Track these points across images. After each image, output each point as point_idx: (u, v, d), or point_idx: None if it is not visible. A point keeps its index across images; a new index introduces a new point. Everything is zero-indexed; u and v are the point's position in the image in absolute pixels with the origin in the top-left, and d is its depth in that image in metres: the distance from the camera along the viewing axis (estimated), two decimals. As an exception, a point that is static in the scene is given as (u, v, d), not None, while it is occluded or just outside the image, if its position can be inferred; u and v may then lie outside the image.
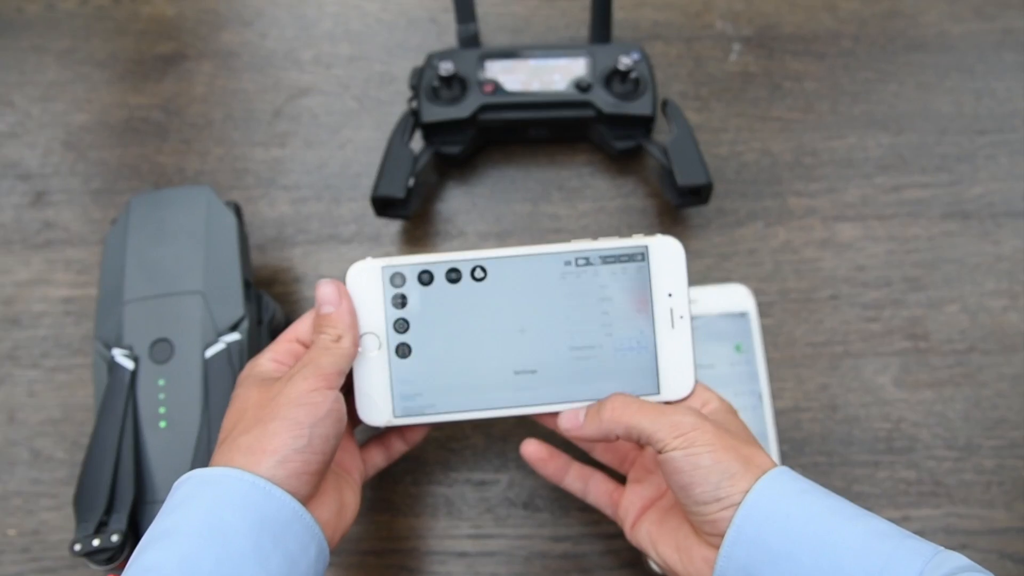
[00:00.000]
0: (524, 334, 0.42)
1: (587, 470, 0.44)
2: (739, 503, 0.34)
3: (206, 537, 0.32)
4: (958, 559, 0.32)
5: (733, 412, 0.40)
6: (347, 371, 0.39)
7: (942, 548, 0.32)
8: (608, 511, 0.43)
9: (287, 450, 0.35)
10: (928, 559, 0.31)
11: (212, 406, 0.44)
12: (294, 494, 0.34)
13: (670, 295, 0.42)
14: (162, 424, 0.44)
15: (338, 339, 0.39)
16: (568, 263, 0.42)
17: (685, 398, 0.42)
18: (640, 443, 0.38)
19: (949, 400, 0.51)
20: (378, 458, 0.44)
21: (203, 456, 0.43)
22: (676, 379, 0.42)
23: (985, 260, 0.55)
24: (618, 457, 0.44)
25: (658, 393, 0.42)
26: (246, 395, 0.38)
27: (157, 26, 0.64)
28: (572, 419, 0.41)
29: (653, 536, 0.39)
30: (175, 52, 0.63)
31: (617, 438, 0.39)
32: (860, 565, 0.32)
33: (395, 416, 0.42)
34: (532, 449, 0.44)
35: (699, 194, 0.53)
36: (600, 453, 0.44)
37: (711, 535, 0.36)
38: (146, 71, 0.62)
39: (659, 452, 0.37)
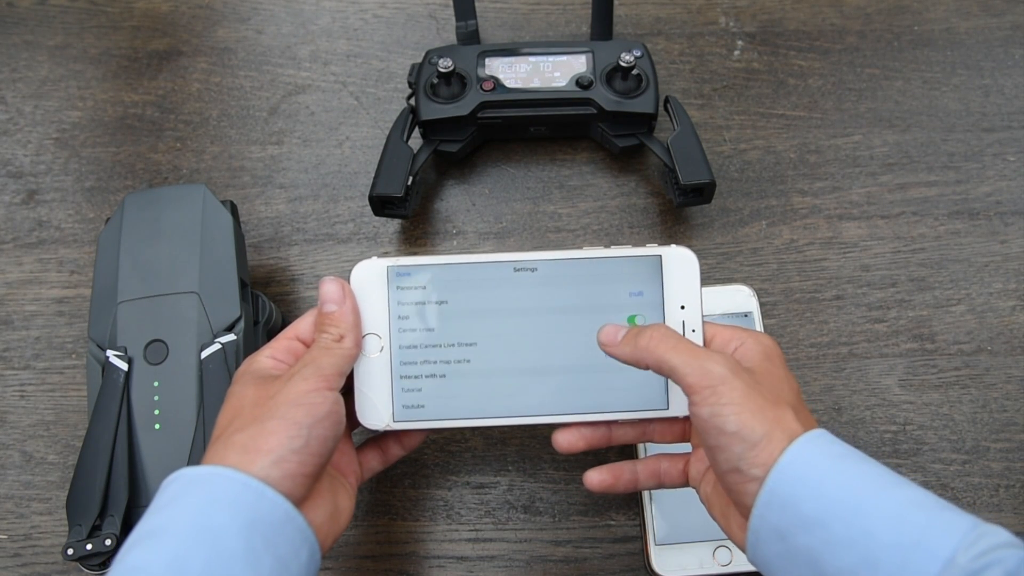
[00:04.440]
0: (530, 341, 0.41)
1: (652, 462, 0.42)
2: (761, 477, 0.33)
3: (195, 537, 0.31)
4: (997, 534, 0.31)
5: (770, 356, 0.38)
6: (348, 372, 0.39)
7: (980, 521, 0.31)
8: (689, 486, 0.41)
9: (283, 450, 0.34)
10: (965, 533, 0.30)
11: (207, 408, 0.43)
12: (288, 496, 0.34)
13: (683, 307, 0.41)
14: (156, 426, 0.44)
15: (340, 339, 0.38)
16: (577, 271, 0.42)
17: None
18: (669, 378, 0.37)
19: (956, 402, 0.51)
20: (375, 462, 0.43)
21: (198, 458, 0.43)
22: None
23: (993, 260, 0.54)
24: (676, 432, 0.42)
25: (667, 408, 0.41)
26: (243, 392, 0.37)
27: (151, 22, 0.63)
28: (611, 334, 0.39)
29: (709, 499, 0.39)
30: (170, 48, 0.62)
31: (647, 367, 0.37)
32: (893, 537, 0.31)
33: (395, 420, 0.41)
34: (596, 480, 0.41)
35: (702, 193, 0.52)
36: (659, 435, 0.43)
37: (739, 504, 0.35)
38: (140, 68, 0.62)
39: (687, 397, 0.36)
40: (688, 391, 0.35)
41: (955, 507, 0.32)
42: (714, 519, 0.38)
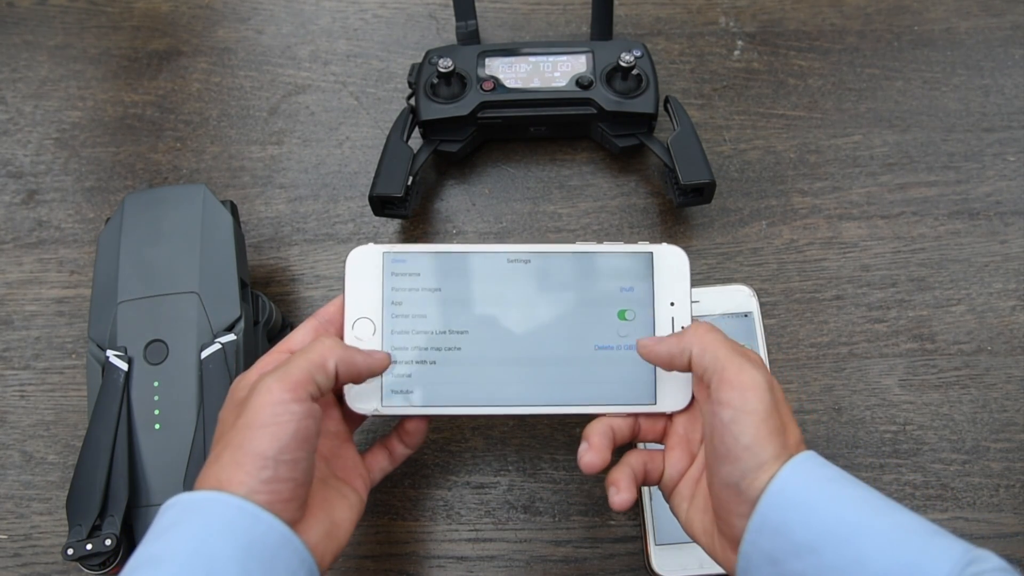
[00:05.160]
0: (521, 332, 0.42)
1: (636, 456, 0.40)
2: (754, 500, 0.33)
3: (193, 564, 0.31)
4: (989, 559, 0.31)
5: (771, 384, 0.37)
6: (323, 382, 0.36)
7: (973, 546, 0.31)
8: (664, 490, 0.40)
9: (253, 482, 0.33)
10: (957, 559, 0.30)
11: (207, 408, 0.43)
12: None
13: (672, 304, 0.42)
14: (156, 426, 0.43)
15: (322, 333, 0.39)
16: (570, 264, 0.42)
17: (682, 411, 0.41)
18: (703, 373, 0.36)
19: (956, 402, 0.51)
20: (383, 461, 0.43)
21: (198, 458, 0.43)
22: (673, 391, 0.41)
23: (992, 260, 0.54)
24: (657, 432, 0.42)
25: (654, 404, 0.41)
26: (226, 415, 0.37)
27: (151, 22, 0.63)
28: (652, 338, 0.39)
29: (689, 519, 0.38)
30: (170, 48, 0.62)
31: (686, 362, 0.37)
32: (886, 563, 0.31)
33: (383, 405, 0.41)
34: (598, 462, 0.39)
35: (702, 193, 0.52)
36: (643, 433, 0.42)
37: (725, 524, 0.35)
38: (140, 68, 0.62)
39: (710, 389, 0.35)
40: (720, 385, 0.35)
41: (947, 532, 0.32)
42: (694, 539, 0.38)
